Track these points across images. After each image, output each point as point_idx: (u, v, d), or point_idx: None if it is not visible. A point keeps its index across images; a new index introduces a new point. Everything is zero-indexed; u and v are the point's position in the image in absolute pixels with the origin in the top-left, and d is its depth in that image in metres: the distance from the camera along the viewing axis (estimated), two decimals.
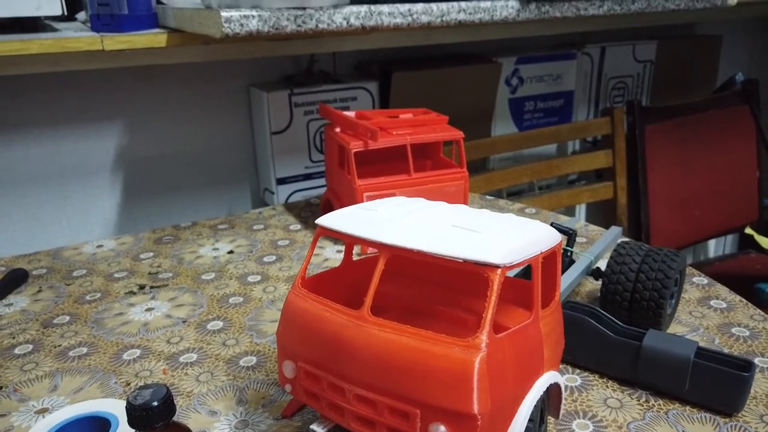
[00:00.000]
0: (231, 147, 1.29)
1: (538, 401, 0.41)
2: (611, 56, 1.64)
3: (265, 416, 0.53)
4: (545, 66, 1.53)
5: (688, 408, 0.53)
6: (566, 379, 0.57)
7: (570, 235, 0.72)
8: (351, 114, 0.93)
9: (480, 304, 0.48)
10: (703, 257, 1.94)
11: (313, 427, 0.44)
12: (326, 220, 0.45)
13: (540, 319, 0.42)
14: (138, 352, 0.63)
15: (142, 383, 0.58)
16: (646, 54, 1.69)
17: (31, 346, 0.65)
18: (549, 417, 0.48)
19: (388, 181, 0.85)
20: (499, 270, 0.38)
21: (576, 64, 1.58)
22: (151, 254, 0.88)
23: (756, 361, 0.59)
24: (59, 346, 0.65)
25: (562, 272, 0.66)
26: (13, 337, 0.67)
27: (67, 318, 0.71)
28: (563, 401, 0.46)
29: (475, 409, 0.36)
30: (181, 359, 0.62)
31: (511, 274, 0.58)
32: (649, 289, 0.61)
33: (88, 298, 0.76)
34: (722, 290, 0.73)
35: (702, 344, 0.56)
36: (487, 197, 1.11)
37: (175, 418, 0.53)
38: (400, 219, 0.43)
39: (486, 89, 1.43)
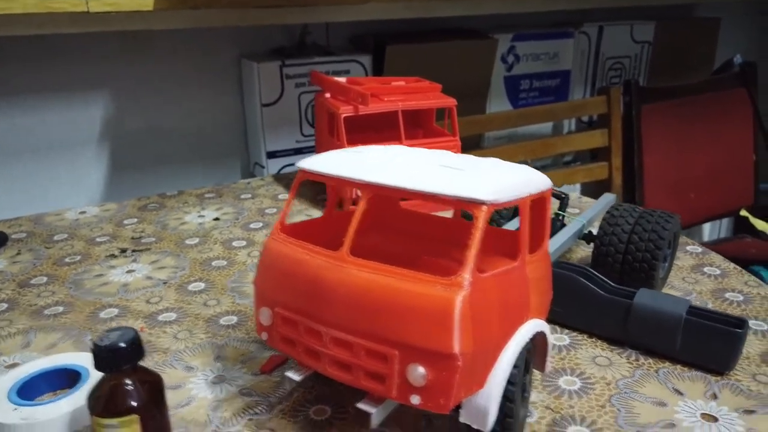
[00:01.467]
0: (221, 120, 1.27)
1: (522, 348, 0.39)
2: (609, 36, 1.62)
3: (243, 372, 0.51)
4: (542, 44, 1.51)
5: (679, 367, 0.51)
6: (555, 338, 0.55)
7: (562, 199, 0.70)
8: (342, 80, 0.91)
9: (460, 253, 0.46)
10: (697, 240, 1.92)
11: (288, 374, 0.42)
12: (307, 163, 0.43)
13: (527, 264, 0.40)
14: (116, 311, 0.62)
15: None
16: (644, 34, 1.67)
17: (5, 305, 0.63)
18: (534, 370, 0.46)
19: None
20: (485, 207, 0.36)
21: (573, 43, 1.55)
22: (135, 220, 0.86)
23: (750, 323, 0.58)
24: (35, 305, 0.63)
25: (553, 235, 0.65)
26: None
27: (45, 279, 0.69)
28: (549, 355, 0.44)
29: (456, 348, 0.34)
30: (160, 318, 0.60)
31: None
32: (642, 251, 0.59)
33: (67, 260, 0.74)
34: (716, 258, 0.72)
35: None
36: None
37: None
38: (385, 161, 0.42)
39: (481, 66, 1.41)
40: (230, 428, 0.45)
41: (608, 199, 0.75)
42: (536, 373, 0.50)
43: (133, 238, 0.80)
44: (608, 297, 0.54)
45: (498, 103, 1.51)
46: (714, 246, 1.72)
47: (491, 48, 1.39)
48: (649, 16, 1.68)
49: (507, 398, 0.38)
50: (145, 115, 1.19)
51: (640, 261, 0.59)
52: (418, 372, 0.35)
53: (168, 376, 0.51)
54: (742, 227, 1.77)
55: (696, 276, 0.67)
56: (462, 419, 0.38)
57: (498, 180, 0.38)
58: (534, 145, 1.42)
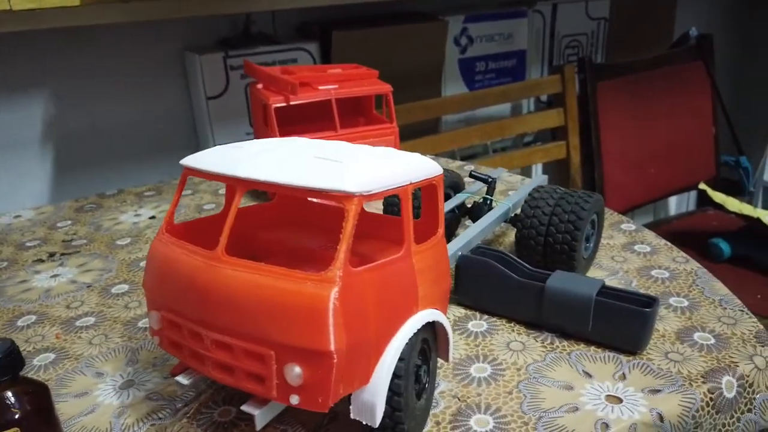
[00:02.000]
0: (168, 115, 1.25)
1: (411, 339, 0.38)
2: (563, 14, 1.61)
3: (154, 375, 0.50)
4: (495, 24, 1.50)
5: (592, 348, 0.51)
6: (472, 325, 0.55)
7: (489, 183, 0.69)
8: (275, 70, 0.89)
9: (365, 246, 0.45)
10: (663, 216, 1.94)
11: (179, 378, 0.41)
12: (190, 159, 0.42)
13: (413, 254, 0.39)
14: (33, 318, 0.60)
15: (31, 349, 0.55)
16: (600, 11, 1.66)
17: None
18: (439, 360, 0.45)
19: (312, 137, 0.82)
20: (355, 199, 0.35)
21: (527, 22, 1.54)
22: (69, 222, 0.85)
23: (671, 300, 0.58)
24: None
25: (477, 219, 0.64)
26: None
27: None
28: (451, 344, 0.44)
29: (331, 345, 0.33)
30: (78, 323, 0.59)
31: None
32: (562, 232, 0.59)
33: None
34: (649, 235, 0.72)
35: (610, 284, 0.54)
36: (440, 159, 1.08)
37: (57, 382, 0.50)
38: (262, 153, 0.40)
39: (433, 49, 1.39)
40: None
41: (539, 180, 0.74)
42: (449, 364, 0.50)
43: (64, 241, 0.79)
44: (522, 281, 0.53)
45: (454, 87, 1.50)
46: (677, 220, 1.74)
47: (442, 30, 1.38)
48: None
49: (394, 392, 0.38)
50: (88, 112, 1.17)
51: (560, 243, 0.59)
52: (295, 371, 0.34)
53: (78, 384, 0.50)
54: (705, 200, 1.78)
55: (625, 254, 0.67)
56: (352, 415, 0.38)
57: (372, 170, 0.37)
58: (490, 127, 1.42)
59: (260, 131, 0.90)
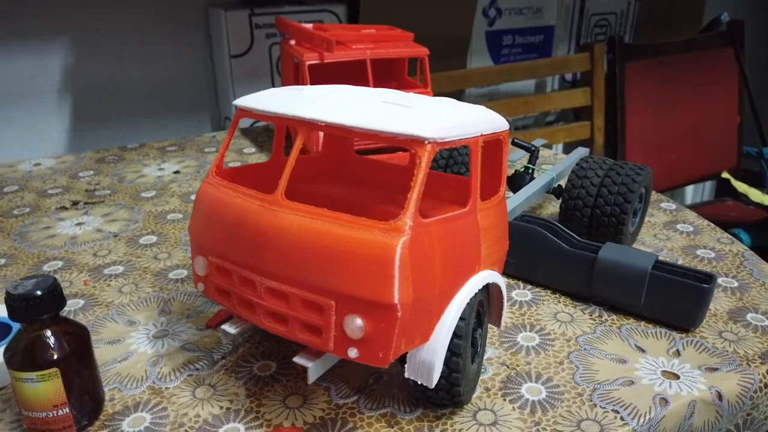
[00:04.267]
0: (189, 72, 1.22)
1: (472, 300, 0.37)
2: None
3: (188, 326, 0.49)
4: None
5: (643, 323, 0.49)
6: (516, 294, 0.53)
7: (532, 151, 0.67)
8: (308, 26, 0.86)
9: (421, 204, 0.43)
10: (679, 203, 1.91)
11: (225, 327, 0.39)
12: (245, 100, 0.40)
13: (478, 211, 0.37)
14: (60, 263, 0.59)
15: None
16: None
17: None
18: (490, 325, 0.44)
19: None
20: (429, 145, 0.33)
21: None
22: (92, 173, 0.82)
23: (720, 281, 0.56)
24: None
25: (520, 189, 0.62)
26: None
27: None
28: (505, 310, 0.42)
29: (396, 298, 0.32)
30: (106, 271, 0.57)
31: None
32: (611, 204, 0.57)
33: (15, 212, 0.70)
34: (690, 215, 0.70)
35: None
36: None
37: (90, 329, 0.48)
38: (326, 97, 0.38)
39: (461, 19, 1.36)
40: (168, 384, 0.42)
41: (581, 152, 0.72)
42: (494, 329, 0.48)
43: (87, 190, 0.76)
44: (572, 251, 0.51)
45: (480, 60, 1.47)
46: (694, 208, 1.72)
47: (471, 0, 1.34)
48: None
49: (453, 352, 0.36)
50: (107, 64, 1.14)
51: (608, 215, 0.57)
52: (356, 324, 0.32)
53: (109, 331, 0.48)
54: (725, 190, 1.76)
55: (668, 233, 0.65)
56: (407, 374, 0.36)
57: (444, 117, 0.35)
58: (514, 103, 1.39)
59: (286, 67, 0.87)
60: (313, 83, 0.78)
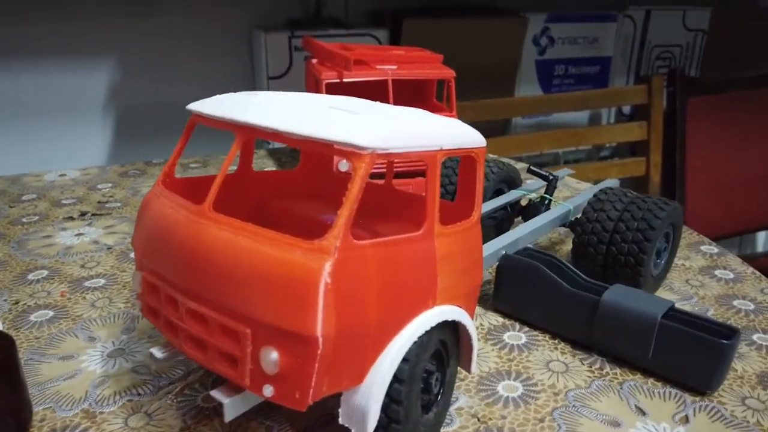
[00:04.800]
0: (230, 92, 1.22)
1: (422, 338, 0.32)
2: (657, 21, 1.49)
3: (147, 346, 0.46)
4: (580, 27, 1.40)
5: (650, 381, 0.42)
6: (508, 336, 0.47)
7: (549, 181, 0.61)
8: (333, 45, 0.84)
9: (392, 228, 0.39)
10: (750, 251, 1.76)
11: (152, 350, 0.36)
12: (197, 105, 0.37)
13: (436, 236, 0.33)
14: (45, 273, 0.57)
15: (33, 303, 0.52)
16: (698, 22, 1.53)
17: None
18: (460, 369, 0.38)
19: None
20: (366, 156, 0.29)
21: (616, 27, 1.43)
22: (110, 185, 0.83)
23: (755, 337, 0.48)
24: None
25: (530, 219, 0.56)
26: None
27: None
28: (475, 351, 0.36)
29: (316, 329, 0.27)
30: (87, 284, 0.55)
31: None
32: (628, 242, 0.50)
33: (24, 220, 0.70)
34: (734, 261, 0.61)
35: (681, 307, 0.45)
36: (502, 159, 1.00)
37: (47, 342, 0.46)
38: (274, 101, 0.35)
39: (509, 47, 1.31)
40: (104, 408, 0.39)
41: (608, 184, 0.65)
42: (473, 376, 0.42)
43: (99, 202, 0.76)
44: (573, 291, 0.45)
45: (529, 90, 1.41)
46: (765, 257, 1.57)
47: (521, 27, 1.29)
48: (705, 2, 1.53)
49: (392, 399, 0.31)
50: (150, 82, 1.16)
51: (626, 254, 0.50)
52: (270, 357, 0.28)
53: (66, 345, 0.46)
54: None
55: (703, 279, 0.57)
56: (340, 420, 0.31)
57: (392, 124, 0.31)
58: (562, 134, 1.32)
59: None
60: None
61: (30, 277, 0.57)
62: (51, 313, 0.50)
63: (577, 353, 0.45)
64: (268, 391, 0.29)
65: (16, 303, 0.52)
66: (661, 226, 0.50)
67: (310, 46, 0.86)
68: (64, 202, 0.76)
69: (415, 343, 0.31)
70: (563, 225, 0.58)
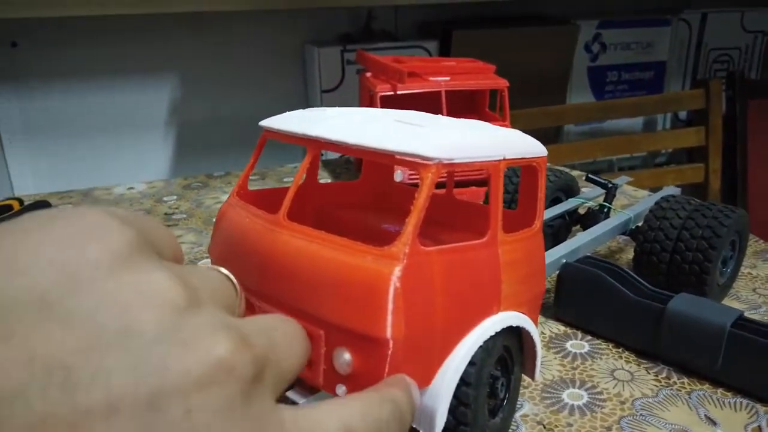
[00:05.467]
0: (284, 107, 1.26)
1: (487, 343, 0.32)
2: (714, 24, 1.45)
3: None
4: (633, 32, 1.38)
5: (720, 391, 0.41)
6: (571, 345, 0.47)
7: (609, 189, 0.61)
8: (388, 59, 0.86)
9: (455, 237, 0.40)
10: None
11: None
12: (270, 121, 0.39)
13: (500, 244, 0.33)
14: None
15: None
16: (757, 23, 1.48)
17: None
18: (524, 377, 0.39)
19: None
20: (433, 166, 0.30)
21: (670, 31, 1.41)
22: (175, 197, 0.86)
23: None
24: None
25: (589, 227, 0.56)
26: None
27: None
28: (539, 358, 0.37)
29: (387, 332, 0.28)
30: None
31: None
32: (693, 250, 0.50)
33: None
34: None
35: (750, 316, 0.44)
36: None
37: None
38: (342, 116, 0.36)
39: (561, 54, 1.30)
40: None
41: (669, 192, 0.64)
42: (537, 383, 0.43)
43: (166, 213, 0.80)
44: (638, 300, 0.45)
45: (581, 97, 1.40)
46: None
47: (572, 35, 1.29)
48: (765, 3, 1.48)
49: (460, 401, 0.32)
50: (210, 98, 1.21)
51: (690, 262, 0.50)
52: (344, 357, 0.29)
53: None
54: None
55: None
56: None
57: (456, 135, 0.32)
58: (616, 141, 1.30)
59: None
60: None
61: None
62: None
63: (642, 362, 0.45)
64: (341, 390, 0.30)
65: None
66: (727, 234, 0.49)
67: (364, 60, 0.88)
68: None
69: (481, 347, 0.32)
70: (623, 233, 0.58)
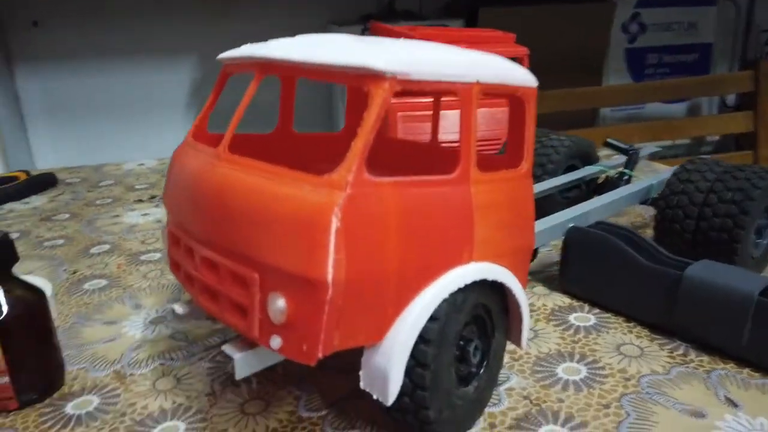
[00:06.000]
0: (307, 89, 1.23)
1: (456, 298, 0.28)
2: (764, 4, 1.35)
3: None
4: (674, 11, 1.30)
5: (747, 371, 0.36)
6: (575, 318, 0.42)
7: (630, 154, 0.55)
8: (403, 28, 0.81)
9: None
10: None
11: (174, 306, 0.34)
12: (227, 53, 0.35)
13: (472, 183, 0.28)
14: (107, 247, 0.58)
15: (89, 273, 0.52)
16: None
17: (17, 234, 0.62)
18: (522, 350, 0.34)
19: (428, 101, 0.73)
20: (385, 82, 0.25)
21: (716, 11, 1.32)
22: None
23: None
24: (41, 237, 0.62)
25: (604, 192, 0.51)
26: (8, 227, 0.65)
27: (67, 216, 0.68)
28: (526, 322, 0.32)
29: (326, 273, 0.24)
30: (142, 258, 0.56)
31: None
32: (721, 215, 0.44)
33: (98, 202, 0.73)
34: None
35: None
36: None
37: (95, 308, 0.46)
38: (299, 41, 0.32)
39: (595, 34, 1.23)
40: (135, 370, 0.38)
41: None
42: (530, 356, 0.38)
43: None
44: (651, 266, 0.39)
45: (618, 79, 1.32)
46: None
47: (607, 13, 1.21)
48: None
49: (417, 361, 0.27)
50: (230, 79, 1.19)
51: (717, 229, 0.44)
52: (277, 304, 0.25)
53: (112, 311, 0.46)
54: None
55: None
56: (362, 385, 0.28)
57: (420, 51, 0.27)
58: (657, 126, 1.22)
59: None
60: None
61: (92, 251, 0.58)
62: (104, 282, 0.51)
63: (656, 338, 0.39)
64: (276, 342, 0.26)
65: (74, 272, 0.53)
66: (761, 198, 0.43)
67: (378, 32, 0.84)
68: (137, 187, 0.78)
69: (445, 300, 0.27)
70: (644, 202, 0.52)
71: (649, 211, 0.59)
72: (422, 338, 0.27)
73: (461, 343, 0.30)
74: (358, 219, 0.25)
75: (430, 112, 0.73)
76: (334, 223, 0.24)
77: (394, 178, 0.26)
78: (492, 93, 0.29)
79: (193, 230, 0.30)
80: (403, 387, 0.27)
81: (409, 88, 0.26)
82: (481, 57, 0.30)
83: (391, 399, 0.27)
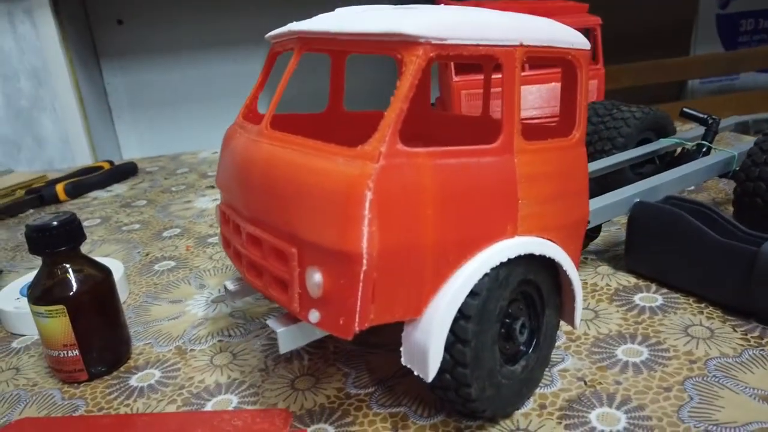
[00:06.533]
0: (373, 85, 1.23)
1: (499, 272, 0.27)
2: None
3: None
4: None
5: None
6: (640, 298, 0.39)
7: (709, 125, 0.51)
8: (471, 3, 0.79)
9: None
10: None
11: (226, 283, 0.35)
12: (273, 32, 0.35)
13: (516, 152, 0.27)
14: (177, 230, 0.61)
15: (160, 255, 0.55)
16: None
17: (98, 220, 0.66)
18: (575, 330, 0.32)
19: (492, 77, 0.71)
20: (420, 47, 0.24)
21: None
22: None
23: None
24: (120, 222, 0.65)
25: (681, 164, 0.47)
26: (91, 213, 0.69)
27: (144, 202, 0.71)
28: (579, 301, 0.30)
29: (360, 246, 0.24)
30: (210, 240, 0.58)
31: None
32: None
33: (173, 189, 0.76)
34: None
35: None
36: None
37: (163, 287, 0.48)
38: (343, 12, 0.32)
39: (680, 0, 1.15)
40: (195, 346, 0.40)
41: None
42: (588, 336, 0.36)
43: None
44: (725, 242, 0.36)
45: (708, 48, 1.23)
46: None
47: None
48: None
49: (457, 337, 0.26)
50: (301, 71, 1.21)
51: None
52: (314, 278, 0.25)
53: (178, 291, 0.48)
54: None
55: None
56: (403, 361, 0.28)
57: (456, 16, 0.26)
58: (752, 98, 1.13)
59: (441, 71, 0.81)
60: (457, 65, 0.71)
61: (165, 234, 0.60)
62: (173, 263, 0.53)
63: (729, 319, 0.36)
64: (314, 316, 0.26)
65: (147, 255, 0.55)
66: None
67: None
68: (209, 174, 0.81)
69: (487, 275, 0.26)
70: (724, 175, 0.48)
71: (732, 186, 0.54)
72: (462, 314, 0.26)
73: (507, 320, 0.28)
74: (392, 190, 0.24)
75: (499, 89, 0.71)
76: (368, 195, 0.24)
77: (429, 148, 0.25)
78: (539, 56, 0.28)
79: (239, 207, 0.31)
80: (443, 363, 0.26)
81: (445, 54, 0.25)
82: (526, 18, 0.28)
83: (431, 375, 0.26)
